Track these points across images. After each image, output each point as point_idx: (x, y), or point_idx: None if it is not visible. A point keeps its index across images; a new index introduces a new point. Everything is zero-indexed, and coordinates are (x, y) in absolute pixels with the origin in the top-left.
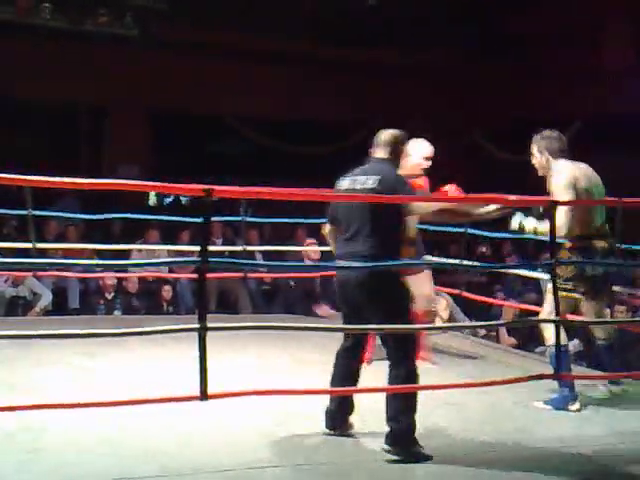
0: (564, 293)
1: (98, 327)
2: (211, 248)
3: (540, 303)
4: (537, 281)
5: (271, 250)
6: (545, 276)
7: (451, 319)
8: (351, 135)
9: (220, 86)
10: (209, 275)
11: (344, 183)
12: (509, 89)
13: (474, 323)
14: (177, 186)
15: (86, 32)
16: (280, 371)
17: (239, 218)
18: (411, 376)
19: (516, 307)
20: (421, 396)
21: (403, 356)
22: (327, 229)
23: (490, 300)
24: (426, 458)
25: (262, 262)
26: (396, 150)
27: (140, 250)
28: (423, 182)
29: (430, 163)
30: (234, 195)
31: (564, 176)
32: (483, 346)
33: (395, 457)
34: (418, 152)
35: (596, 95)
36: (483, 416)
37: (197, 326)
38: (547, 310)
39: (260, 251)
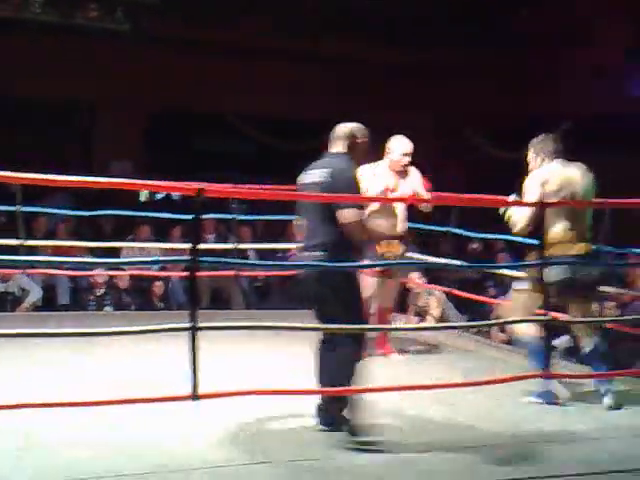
0: (534, 291)
1: (88, 323)
2: (203, 246)
3: None
4: None
5: (263, 248)
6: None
7: (443, 316)
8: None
9: (215, 83)
10: (201, 273)
11: (302, 177)
12: (508, 88)
13: (464, 324)
14: (169, 185)
15: (78, 28)
16: (272, 369)
17: (231, 216)
18: (347, 359)
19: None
20: (412, 392)
21: (345, 342)
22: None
23: (481, 298)
24: (355, 433)
25: (252, 261)
26: (350, 143)
27: (131, 247)
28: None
29: (409, 159)
30: (224, 194)
31: (534, 177)
32: (474, 342)
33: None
34: (398, 149)
35: (588, 94)
36: (473, 411)
37: (188, 326)
38: (515, 305)
39: (252, 248)
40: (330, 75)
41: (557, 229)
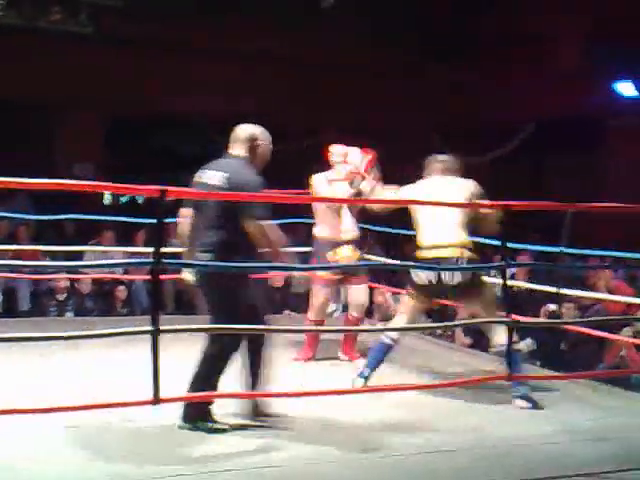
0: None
1: (49, 329)
2: (167, 249)
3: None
4: None
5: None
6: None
7: None
8: (312, 135)
9: (177, 84)
10: (165, 276)
11: (199, 176)
12: (467, 91)
13: (429, 325)
14: (132, 186)
15: (41, 31)
16: (232, 373)
17: None
18: (216, 355)
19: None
20: (374, 395)
21: (222, 338)
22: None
23: (446, 302)
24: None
25: (215, 263)
26: (250, 146)
27: (95, 251)
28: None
29: (355, 169)
30: (188, 196)
31: (402, 190)
32: (438, 345)
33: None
34: (351, 160)
35: (550, 98)
36: (436, 415)
37: (149, 329)
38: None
39: None
40: (283, 74)
41: (419, 237)
